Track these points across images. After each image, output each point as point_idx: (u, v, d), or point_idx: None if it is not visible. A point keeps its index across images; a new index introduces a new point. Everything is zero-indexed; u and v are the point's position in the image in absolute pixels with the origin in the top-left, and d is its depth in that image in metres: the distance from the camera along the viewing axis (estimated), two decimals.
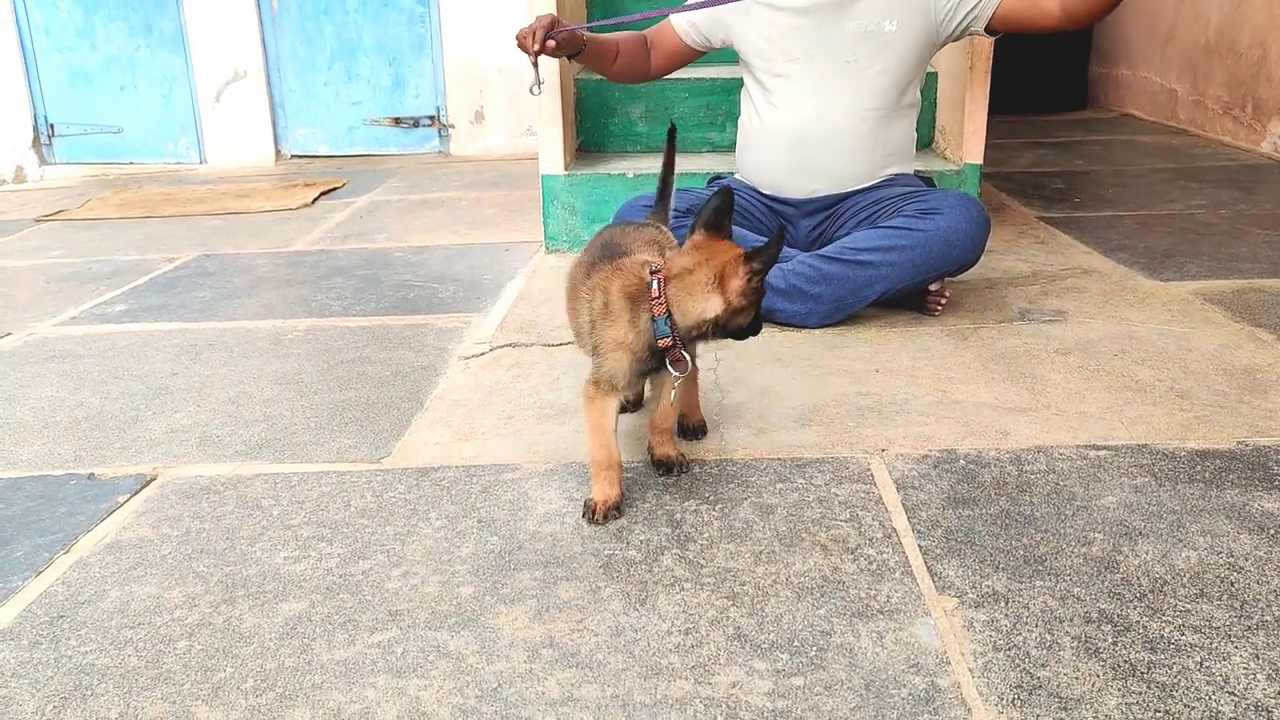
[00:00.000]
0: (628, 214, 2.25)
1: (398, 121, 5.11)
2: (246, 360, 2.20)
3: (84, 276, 3.05)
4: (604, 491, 1.43)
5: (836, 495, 1.47)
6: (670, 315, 1.38)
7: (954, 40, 2.24)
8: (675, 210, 2.21)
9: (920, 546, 1.33)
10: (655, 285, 1.39)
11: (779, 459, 1.59)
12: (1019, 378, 1.87)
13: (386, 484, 1.58)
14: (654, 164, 2.93)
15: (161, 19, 4.98)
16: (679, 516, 1.43)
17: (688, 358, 1.43)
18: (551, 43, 2.12)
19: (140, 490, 1.59)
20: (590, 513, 1.42)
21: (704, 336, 1.42)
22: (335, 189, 4.34)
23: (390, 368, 2.11)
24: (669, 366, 1.42)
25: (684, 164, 3.04)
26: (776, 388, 1.88)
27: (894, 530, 1.37)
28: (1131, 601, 1.19)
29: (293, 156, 5.15)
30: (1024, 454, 1.58)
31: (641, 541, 1.37)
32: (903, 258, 2.07)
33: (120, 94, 5.06)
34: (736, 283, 1.36)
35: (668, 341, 1.39)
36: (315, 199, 4.09)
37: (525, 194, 3.10)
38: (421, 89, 5.06)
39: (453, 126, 5.09)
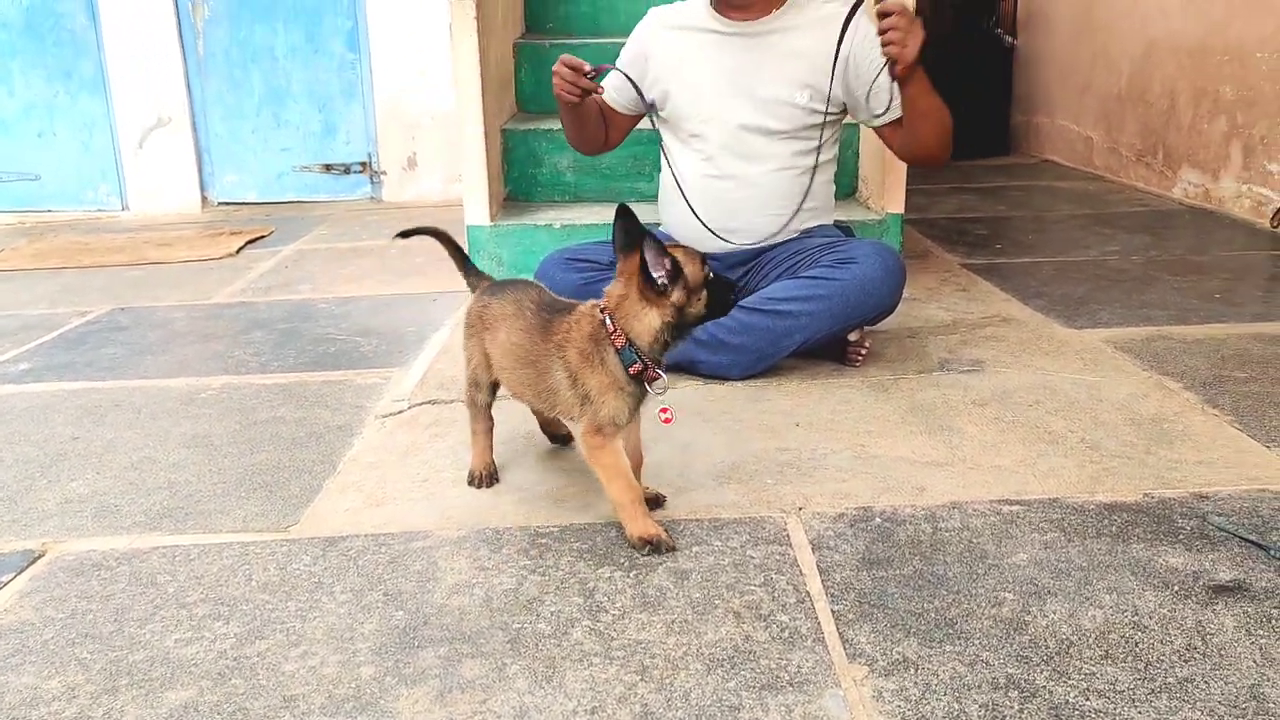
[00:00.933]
0: (550, 269, 2.24)
1: (328, 168, 5.05)
2: (154, 422, 2.12)
3: None
4: (650, 529, 1.48)
5: (752, 558, 1.45)
6: (630, 341, 1.47)
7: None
8: (598, 262, 2.21)
9: (833, 611, 1.31)
10: (608, 321, 1.48)
11: (697, 519, 1.57)
12: (936, 430, 1.89)
13: (291, 555, 1.52)
14: (581, 214, 2.94)
15: (82, 63, 4.87)
16: (592, 585, 1.40)
17: (662, 375, 1.51)
18: (592, 83, 2.07)
19: (26, 568, 1.51)
20: (655, 548, 1.47)
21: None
22: (262, 237, 4.26)
23: (305, 428, 2.05)
24: (647, 386, 1.50)
25: (611, 212, 3.04)
26: (698, 444, 1.86)
27: (808, 594, 1.35)
28: (1039, 665, 1.19)
29: (220, 204, 5.05)
30: (939, 510, 1.58)
31: (552, 613, 1.34)
32: (820, 306, 2.08)
33: (38, 140, 4.93)
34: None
35: (638, 367, 1.48)
36: (240, 248, 4.01)
37: (458, 241, 3.09)
38: (352, 135, 5.02)
39: (384, 173, 5.05)
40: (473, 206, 2.78)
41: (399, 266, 3.62)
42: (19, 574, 1.50)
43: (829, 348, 2.19)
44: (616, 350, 1.47)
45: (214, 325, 2.92)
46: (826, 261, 2.13)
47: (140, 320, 3.00)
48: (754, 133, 2.22)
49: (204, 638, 1.31)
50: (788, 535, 1.51)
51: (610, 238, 2.28)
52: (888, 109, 2.13)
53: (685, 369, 2.20)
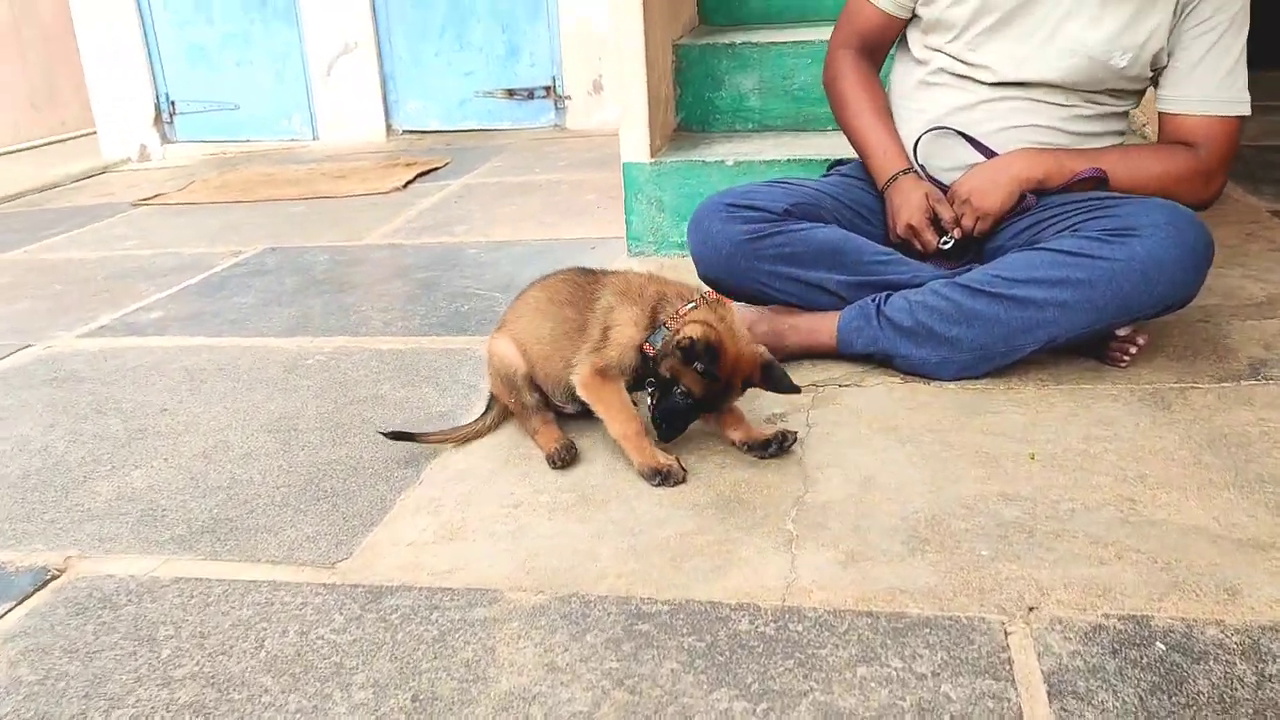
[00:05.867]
0: (707, 221, 1.74)
1: (511, 93, 4.73)
2: (249, 393, 1.85)
3: (143, 273, 2.82)
4: (658, 458, 1.39)
5: (949, 701, 0.94)
6: (672, 341, 1.38)
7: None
8: (769, 211, 1.70)
9: None
10: (690, 308, 1.41)
11: (870, 612, 1.08)
12: (1254, 482, 1.27)
13: (324, 612, 1.16)
14: (762, 148, 2.41)
15: None
16: None
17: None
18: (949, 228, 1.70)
19: (31, 595, 1.25)
20: (665, 478, 1.37)
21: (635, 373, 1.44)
22: (436, 169, 4.01)
23: (404, 413, 1.70)
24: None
25: (800, 145, 2.50)
26: (884, 477, 1.35)
27: None
28: None
29: (404, 132, 4.86)
30: (1265, 635, 0.99)
31: None
32: (1079, 296, 1.47)
33: (237, 70, 4.91)
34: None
35: (649, 349, 1.42)
36: (409, 182, 3.76)
37: None
38: (537, 57, 4.66)
39: (569, 98, 4.66)
40: (630, 139, 2.31)
41: (567, 205, 3.23)
42: (19, 604, 1.23)
43: (1083, 340, 1.58)
44: (660, 323, 1.41)
45: (354, 272, 2.65)
46: (1093, 231, 1.50)
47: (286, 263, 2.79)
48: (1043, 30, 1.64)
49: None
50: (1009, 664, 0.98)
51: (797, 197, 1.78)
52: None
53: (880, 361, 1.66)
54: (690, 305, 1.40)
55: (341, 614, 1.16)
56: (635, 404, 1.47)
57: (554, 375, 1.50)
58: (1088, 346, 1.58)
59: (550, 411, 1.55)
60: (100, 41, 4.90)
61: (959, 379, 1.59)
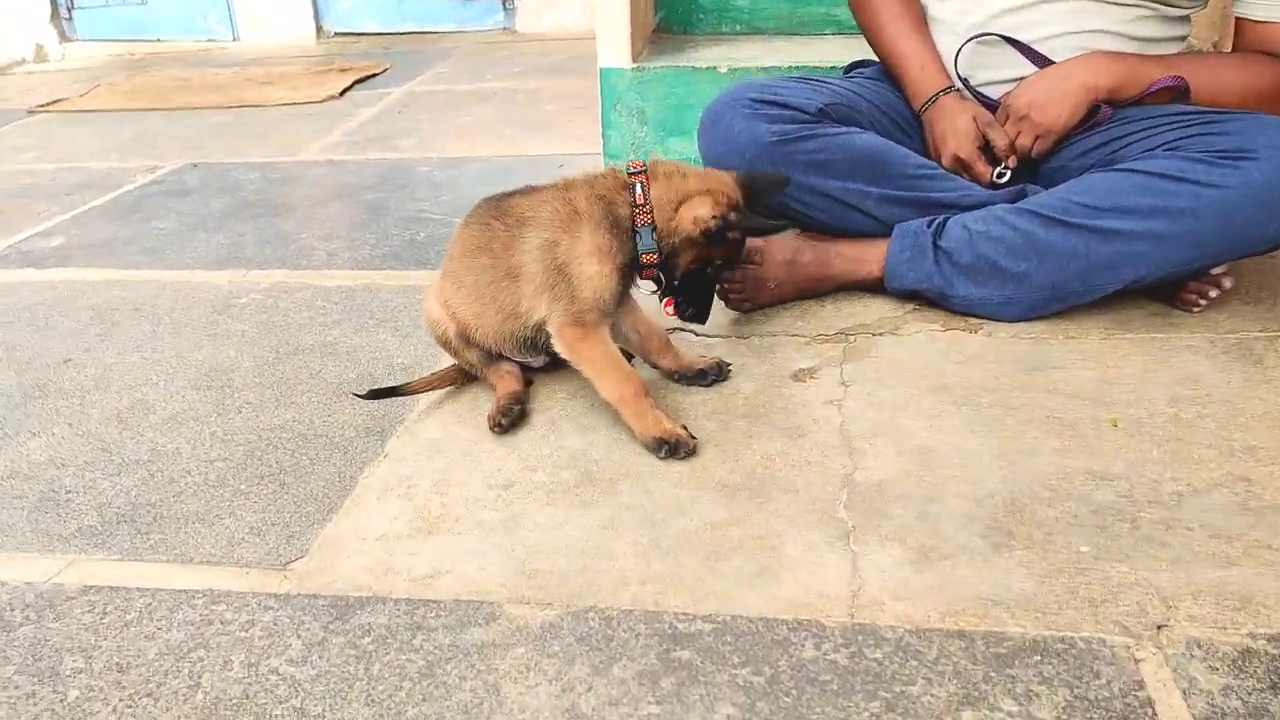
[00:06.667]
0: (726, 116, 1.49)
1: None
2: (173, 339, 1.57)
3: (43, 190, 2.46)
4: (662, 425, 1.17)
5: None
6: (655, 226, 1.24)
7: None
8: (802, 110, 1.47)
9: None
10: (638, 189, 1.24)
11: (962, 632, 0.88)
12: None
13: (275, 635, 0.93)
14: (759, 54, 2.14)
15: None
16: None
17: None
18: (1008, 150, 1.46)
19: None
20: (672, 449, 1.16)
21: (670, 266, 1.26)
22: (373, 75, 3.63)
23: (359, 367, 1.45)
24: (638, 281, 1.27)
25: (804, 50, 2.23)
26: (944, 449, 1.14)
27: None
28: None
29: (336, 34, 4.43)
30: None
31: None
32: (1179, 228, 1.26)
33: None
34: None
35: (653, 258, 1.24)
36: (345, 90, 3.39)
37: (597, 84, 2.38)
38: None
39: None
40: (608, 42, 2.02)
41: (525, 116, 2.92)
42: None
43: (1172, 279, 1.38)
44: (634, 227, 1.21)
45: (289, 192, 2.33)
46: (1196, 150, 1.28)
47: (210, 180, 2.45)
48: None
49: None
50: (1150, 707, 0.79)
51: (832, 96, 1.52)
52: None
53: (929, 300, 1.45)
54: (638, 186, 1.22)
55: (300, 637, 0.92)
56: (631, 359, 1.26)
57: (491, 330, 1.27)
58: (1160, 287, 1.38)
59: (508, 362, 1.32)
60: None
61: (1021, 320, 1.38)
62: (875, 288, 1.50)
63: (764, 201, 1.29)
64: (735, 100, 1.50)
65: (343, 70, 3.69)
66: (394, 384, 1.33)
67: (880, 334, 1.41)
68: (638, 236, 1.21)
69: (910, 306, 1.48)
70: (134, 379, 1.45)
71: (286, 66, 3.88)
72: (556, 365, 1.32)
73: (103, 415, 1.35)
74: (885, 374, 1.31)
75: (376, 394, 1.30)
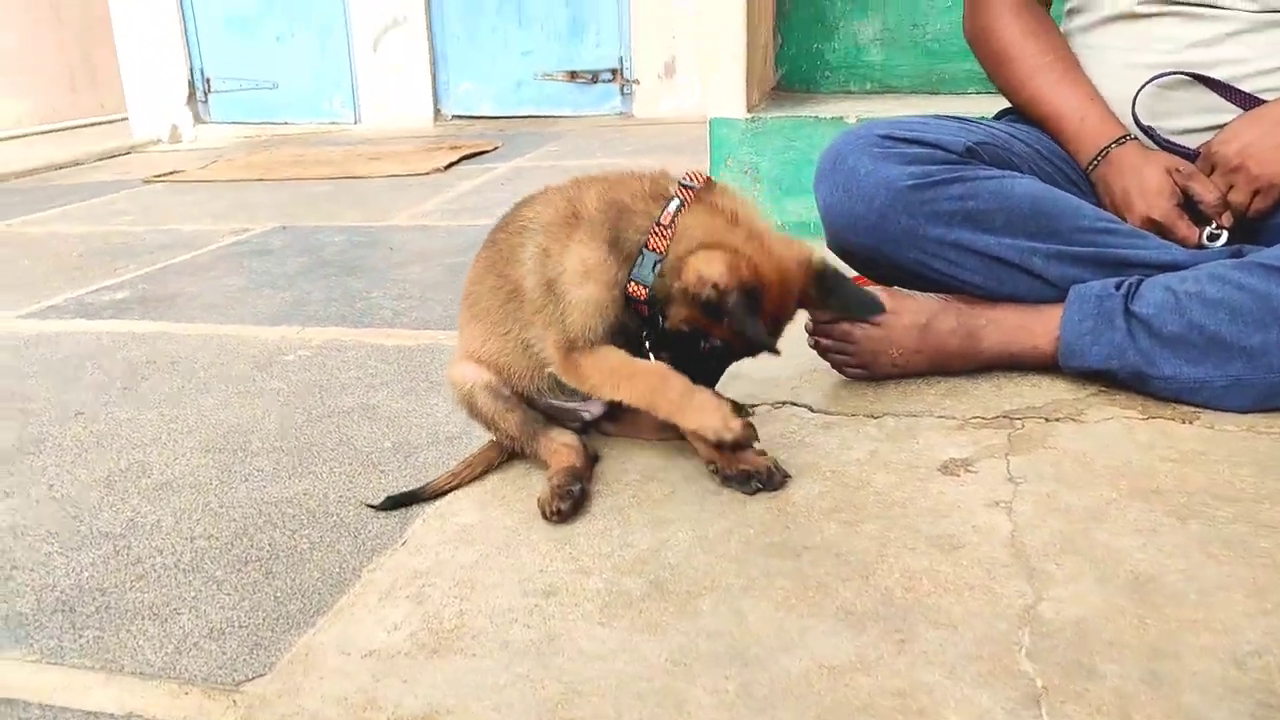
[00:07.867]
0: (852, 154, 1.19)
1: (573, 76, 4.25)
2: (200, 395, 1.36)
3: (127, 249, 2.37)
4: (724, 418, 0.92)
5: None
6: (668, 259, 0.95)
7: None
8: (946, 150, 1.17)
9: None
10: (672, 208, 0.97)
11: None
12: None
13: None
14: (893, 109, 1.87)
15: None
16: None
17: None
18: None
19: None
20: (737, 446, 0.93)
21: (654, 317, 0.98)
22: (484, 152, 3.54)
23: (398, 432, 1.19)
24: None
25: (941, 108, 1.95)
26: (1171, 579, 0.79)
27: None
28: None
29: (454, 117, 4.42)
30: None
31: None
32: None
33: (276, 45, 4.51)
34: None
35: (639, 292, 0.96)
36: (451, 164, 3.29)
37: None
38: (603, 36, 4.18)
39: (637, 82, 4.17)
40: (719, 89, 1.78)
41: None
42: None
43: None
44: (637, 247, 0.95)
45: (369, 253, 2.17)
46: None
47: (294, 242, 2.32)
48: None
49: None
50: None
51: (979, 135, 1.23)
52: None
53: (1124, 382, 1.11)
54: (674, 203, 0.95)
55: None
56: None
57: (515, 366, 1.05)
58: None
59: (562, 432, 1.05)
60: (134, 14, 4.54)
61: (1255, 410, 1.02)
62: (1042, 365, 1.17)
63: (841, 301, 1.01)
64: (862, 137, 1.21)
65: (453, 148, 3.61)
66: (426, 484, 1.04)
67: (1056, 419, 1.07)
68: (639, 259, 0.95)
69: (1093, 388, 1.14)
70: (141, 437, 1.23)
71: (399, 145, 3.84)
72: (614, 413, 1.04)
73: (91, 477, 1.13)
74: (1068, 471, 0.96)
75: (393, 503, 1.02)
